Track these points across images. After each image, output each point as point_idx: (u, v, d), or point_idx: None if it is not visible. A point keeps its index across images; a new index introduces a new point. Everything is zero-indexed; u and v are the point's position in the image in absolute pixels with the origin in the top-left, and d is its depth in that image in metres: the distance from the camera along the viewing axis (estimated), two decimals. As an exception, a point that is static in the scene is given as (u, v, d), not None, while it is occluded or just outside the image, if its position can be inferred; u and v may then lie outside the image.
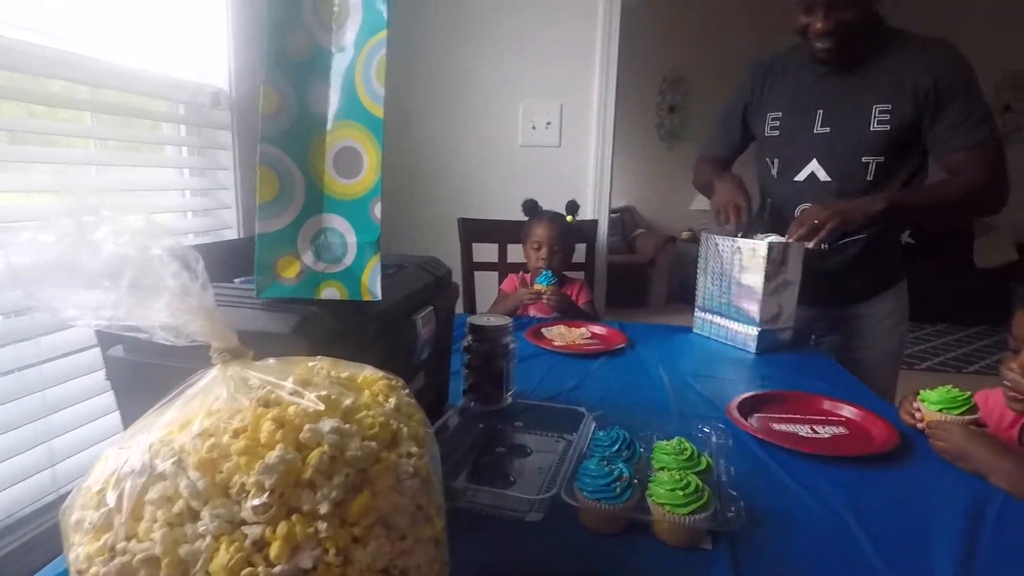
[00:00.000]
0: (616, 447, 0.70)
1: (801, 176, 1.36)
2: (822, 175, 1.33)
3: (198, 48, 1.35)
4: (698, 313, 1.43)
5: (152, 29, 1.22)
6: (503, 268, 1.89)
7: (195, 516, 0.33)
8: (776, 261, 1.23)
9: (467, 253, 1.91)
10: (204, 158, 1.40)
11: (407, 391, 0.45)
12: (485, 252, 1.91)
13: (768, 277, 1.23)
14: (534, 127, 2.07)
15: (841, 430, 0.89)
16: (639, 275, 4.69)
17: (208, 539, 0.32)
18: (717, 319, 1.37)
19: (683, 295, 4.50)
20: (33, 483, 0.95)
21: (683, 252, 4.70)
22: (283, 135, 0.54)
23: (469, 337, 0.91)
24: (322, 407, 0.37)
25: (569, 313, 1.59)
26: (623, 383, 1.10)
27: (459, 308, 1.76)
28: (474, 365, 0.91)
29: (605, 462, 0.65)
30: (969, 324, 4.46)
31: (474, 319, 0.92)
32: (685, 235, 5.04)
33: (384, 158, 0.55)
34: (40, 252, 0.36)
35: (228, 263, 0.69)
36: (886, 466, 0.79)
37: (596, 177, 2.07)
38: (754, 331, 1.27)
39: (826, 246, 1.25)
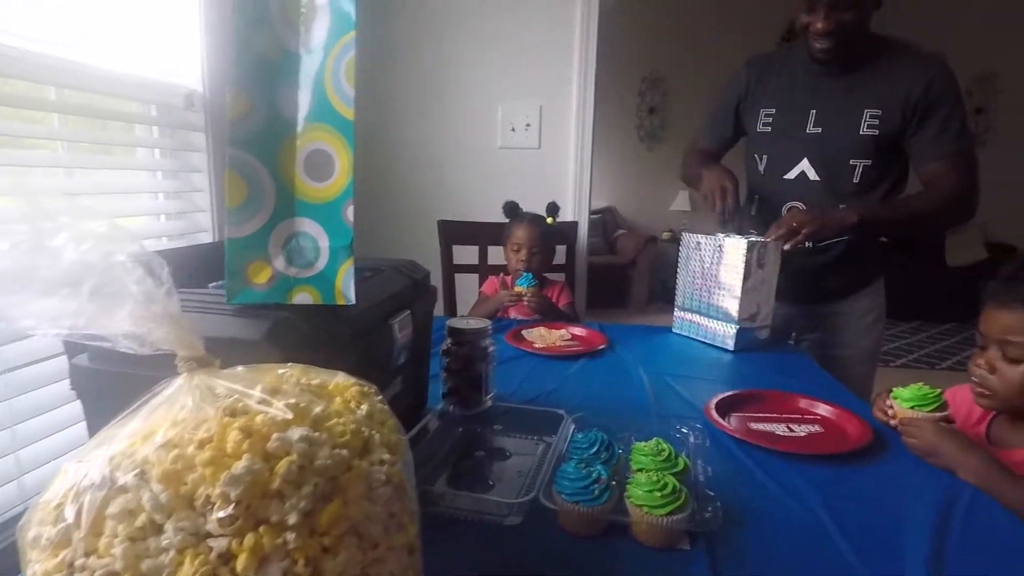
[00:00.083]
0: (595, 449, 0.70)
1: (792, 174, 1.38)
2: (812, 174, 1.36)
3: (170, 48, 1.33)
4: (677, 312, 1.44)
5: (123, 28, 1.19)
6: (484, 270, 1.88)
7: (158, 530, 0.32)
8: (754, 260, 1.25)
9: (447, 255, 1.90)
10: (177, 160, 1.38)
11: (380, 397, 0.44)
12: (466, 254, 1.91)
13: (747, 275, 1.25)
14: (513, 129, 2.07)
15: (817, 428, 0.90)
16: (620, 276, 4.71)
17: (172, 553, 0.32)
18: (696, 318, 1.38)
19: (664, 295, 4.54)
20: (-1, 495, 0.92)
21: (664, 252, 4.73)
22: (252, 138, 0.53)
23: (448, 340, 0.91)
24: (291, 415, 0.36)
25: (550, 315, 1.59)
26: (603, 384, 1.10)
27: (439, 311, 1.75)
28: (453, 368, 0.90)
29: (583, 464, 0.65)
30: (942, 321, 4.57)
31: (453, 322, 0.91)
32: (665, 235, 5.08)
33: (356, 160, 0.54)
34: (-7, 259, 0.34)
35: (203, 268, 0.68)
36: (860, 463, 0.80)
37: (576, 179, 2.08)
38: (732, 329, 1.29)
39: (811, 244, 1.27)
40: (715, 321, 1.33)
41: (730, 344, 1.29)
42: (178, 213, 1.38)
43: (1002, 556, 0.61)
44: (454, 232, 1.90)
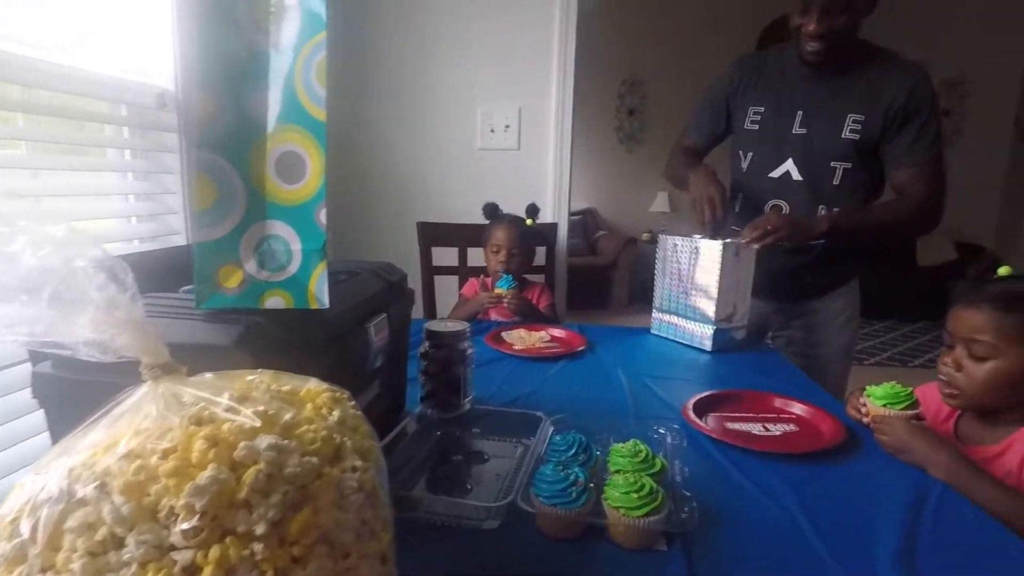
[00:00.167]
0: (573, 451, 0.70)
1: (776, 173, 1.40)
2: (795, 174, 1.38)
3: (142, 47, 1.30)
4: (656, 314, 1.45)
5: (93, 27, 1.16)
6: (464, 272, 1.88)
7: (119, 543, 0.31)
8: (730, 261, 1.27)
9: (427, 257, 1.89)
10: (149, 161, 1.35)
11: (353, 403, 0.44)
12: (445, 256, 1.90)
13: (723, 276, 1.26)
14: (492, 130, 2.06)
15: (792, 427, 0.92)
16: (601, 277, 4.73)
17: (134, 567, 0.31)
18: (674, 319, 1.39)
19: (644, 296, 4.51)
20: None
21: (643, 253, 4.76)
22: (221, 140, 0.52)
23: (426, 343, 0.90)
24: (259, 423, 0.36)
25: (530, 317, 1.59)
26: (582, 386, 1.11)
27: (419, 313, 1.74)
28: (431, 371, 0.89)
29: (561, 467, 0.65)
30: (914, 320, 4.67)
31: (431, 325, 0.91)
32: (645, 236, 5.12)
33: (330, 162, 0.53)
34: (-55, 265, 0.33)
35: (174, 271, 0.66)
36: (834, 461, 0.81)
37: (555, 180, 2.08)
38: (710, 329, 1.30)
39: (786, 243, 1.29)
40: (692, 322, 1.34)
41: (708, 345, 1.31)
42: (150, 215, 1.35)
43: (970, 552, 0.63)
44: (433, 234, 1.89)
